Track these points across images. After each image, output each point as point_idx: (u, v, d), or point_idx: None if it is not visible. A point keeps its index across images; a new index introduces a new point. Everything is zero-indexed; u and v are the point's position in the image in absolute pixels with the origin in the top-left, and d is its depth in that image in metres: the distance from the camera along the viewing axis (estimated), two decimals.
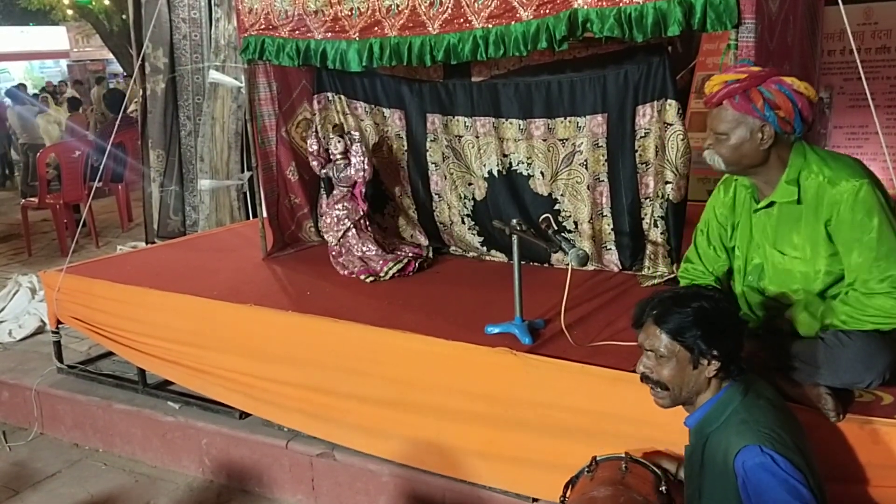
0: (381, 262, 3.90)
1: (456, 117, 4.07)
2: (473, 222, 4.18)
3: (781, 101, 2.18)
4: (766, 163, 2.27)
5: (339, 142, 4.01)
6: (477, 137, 4.02)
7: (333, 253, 4.05)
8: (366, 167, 3.97)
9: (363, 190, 4.05)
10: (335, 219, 4.02)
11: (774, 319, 2.40)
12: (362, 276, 3.82)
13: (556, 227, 2.98)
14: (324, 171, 4.06)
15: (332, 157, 4.05)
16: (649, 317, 2.01)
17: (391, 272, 3.84)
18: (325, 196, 4.12)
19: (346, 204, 4.02)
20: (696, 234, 2.60)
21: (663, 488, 2.17)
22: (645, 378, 2.05)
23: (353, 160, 3.98)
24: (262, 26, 3.83)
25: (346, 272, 3.91)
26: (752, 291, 2.44)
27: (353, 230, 4.01)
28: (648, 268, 3.53)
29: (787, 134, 2.22)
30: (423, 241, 4.35)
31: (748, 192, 2.42)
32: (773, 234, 2.34)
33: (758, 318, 2.43)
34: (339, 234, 4.01)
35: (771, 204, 2.32)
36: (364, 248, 3.98)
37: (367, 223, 4.07)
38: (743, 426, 1.89)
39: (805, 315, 2.30)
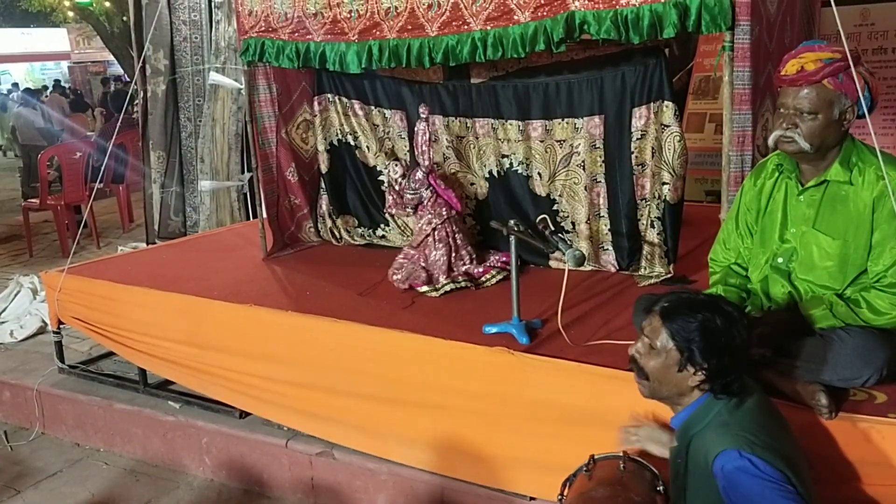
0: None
1: (456, 118, 4.10)
2: (475, 221, 4.20)
3: (874, 85, 2.19)
4: (837, 146, 2.27)
5: (397, 165, 3.86)
6: (477, 138, 4.04)
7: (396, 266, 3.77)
8: (424, 156, 3.70)
9: (439, 182, 3.74)
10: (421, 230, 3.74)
11: (784, 311, 2.40)
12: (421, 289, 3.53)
13: (552, 228, 2.99)
14: (407, 196, 3.75)
15: (396, 185, 3.83)
16: (661, 307, 1.99)
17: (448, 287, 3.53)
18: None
19: (433, 209, 3.72)
20: (724, 223, 2.64)
21: (661, 488, 2.18)
22: (632, 360, 2.05)
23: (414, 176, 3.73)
24: (262, 28, 3.85)
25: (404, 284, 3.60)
26: (777, 274, 2.43)
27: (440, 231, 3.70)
28: (645, 268, 3.55)
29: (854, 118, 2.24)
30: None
31: (786, 179, 2.41)
32: (815, 214, 2.33)
33: (770, 304, 2.44)
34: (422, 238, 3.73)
35: (822, 182, 2.31)
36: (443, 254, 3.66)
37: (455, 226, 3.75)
38: (723, 429, 1.87)
39: (823, 307, 2.30)
